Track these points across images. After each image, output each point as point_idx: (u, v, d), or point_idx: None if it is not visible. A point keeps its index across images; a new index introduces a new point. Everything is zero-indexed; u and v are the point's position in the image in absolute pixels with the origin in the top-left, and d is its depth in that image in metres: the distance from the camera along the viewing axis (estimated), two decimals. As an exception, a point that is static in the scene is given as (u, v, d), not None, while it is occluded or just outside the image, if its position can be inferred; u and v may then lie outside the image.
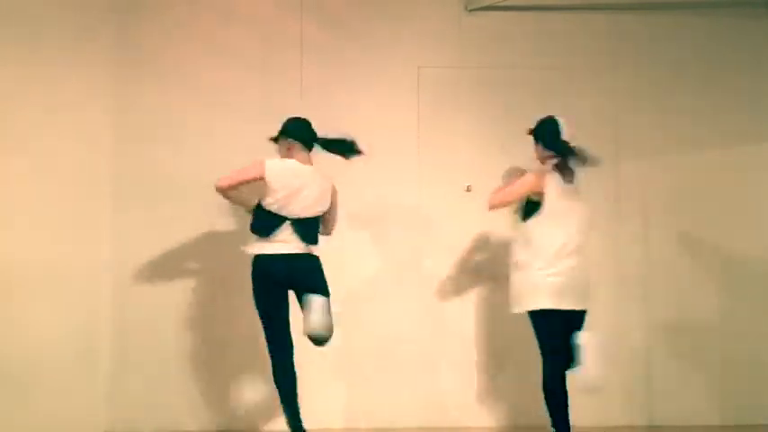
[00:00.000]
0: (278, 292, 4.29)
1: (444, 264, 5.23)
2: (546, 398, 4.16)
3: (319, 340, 4.26)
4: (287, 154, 4.40)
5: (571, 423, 4.15)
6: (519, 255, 4.24)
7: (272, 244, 4.27)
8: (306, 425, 4.38)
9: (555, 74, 5.34)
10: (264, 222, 4.30)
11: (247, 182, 4.33)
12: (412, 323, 5.18)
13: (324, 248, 5.01)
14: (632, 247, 5.29)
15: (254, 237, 4.31)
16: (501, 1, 5.27)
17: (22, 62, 4.45)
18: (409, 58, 5.32)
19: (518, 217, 4.36)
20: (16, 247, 4.38)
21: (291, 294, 4.35)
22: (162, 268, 5.05)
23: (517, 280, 4.23)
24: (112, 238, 5.02)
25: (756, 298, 5.29)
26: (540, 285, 4.13)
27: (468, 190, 5.24)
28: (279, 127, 4.54)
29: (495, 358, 5.16)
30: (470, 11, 5.35)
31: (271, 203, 4.28)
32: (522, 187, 4.27)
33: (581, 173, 4.32)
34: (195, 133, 5.14)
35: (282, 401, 4.30)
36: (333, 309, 4.28)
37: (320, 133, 4.76)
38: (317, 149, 4.43)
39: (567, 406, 4.16)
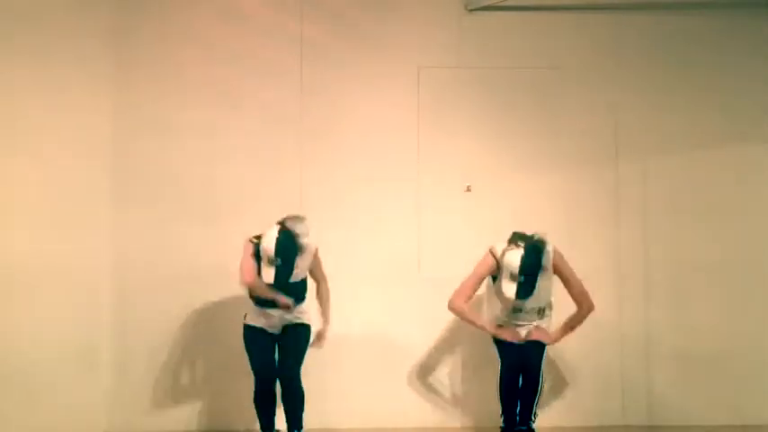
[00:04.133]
0: None
1: (444, 264, 5.23)
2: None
3: None
4: None
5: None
6: None
7: None
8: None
9: (555, 74, 5.33)
10: None
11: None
12: (412, 323, 5.18)
13: (324, 249, 5.03)
14: (632, 247, 5.28)
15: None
16: (501, 1, 5.27)
17: (21, 63, 4.44)
18: (409, 58, 5.32)
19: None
20: (17, 247, 4.38)
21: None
22: (162, 268, 5.06)
23: None
24: (112, 238, 5.03)
25: (756, 298, 5.28)
26: None
27: (468, 190, 5.24)
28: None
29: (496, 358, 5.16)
30: (470, 11, 5.35)
31: None
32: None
33: None
34: (195, 133, 5.14)
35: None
36: None
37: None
38: None
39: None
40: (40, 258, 4.50)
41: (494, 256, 4.59)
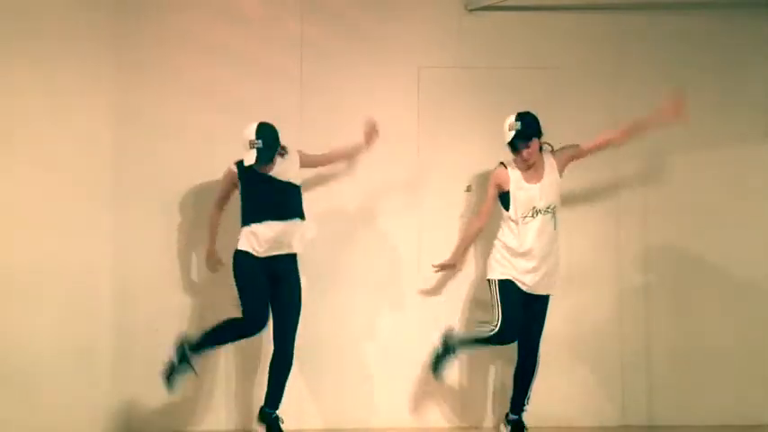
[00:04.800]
0: None
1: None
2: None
3: None
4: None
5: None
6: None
7: None
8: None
9: (555, 74, 5.33)
10: None
11: None
12: (411, 323, 5.19)
13: (323, 248, 5.04)
14: (632, 248, 5.28)
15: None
16: (501, 1, 5.27)
17: (21, 61, 4.45)
18: (409, 58, 5.32)
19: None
20: (16, 247, 4.38)
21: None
22: (162, 268, 5.07)
23: None
24: (112, 239, 5.03)
25: (756, 298, 5.28)
26: None
27: (468, 190, 5.25)
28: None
29: (495, 359, 5.16)
30: (470, 11, 5.35)
31: None
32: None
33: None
34: (195, 133, 5.15)
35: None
36: None
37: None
38: None
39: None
40: (39, 258, 4.50)
41: (504, 167, 4.69)
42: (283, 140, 5.11)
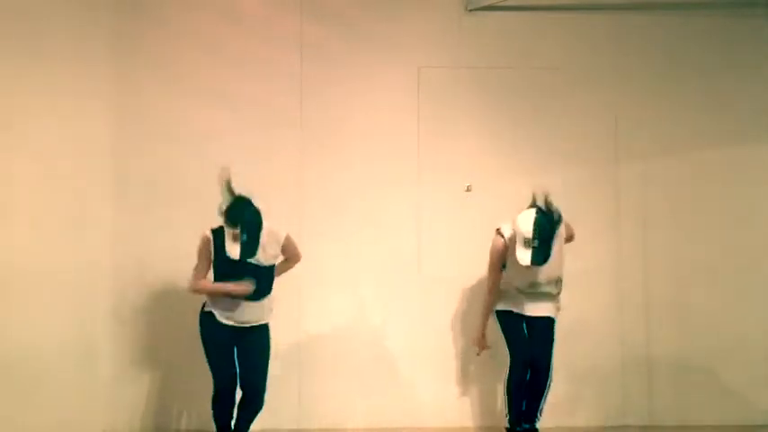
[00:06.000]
0: None
1: (444, 264, 5.23)
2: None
3: None
4: None
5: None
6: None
7: None
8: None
9: (555, 74, 5.33)
10: None
11: None
12: (411, 324, 5.19)
13: (323, 248, 5.04)
14: (632, 248, 5.28)
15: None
16: (501, 1, 5.27)
17: (21, 61, 4.45)
18: (409, 59, 5.32)
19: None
20: (16, 248, 4.38)
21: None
22: (161, 269, 5.06)
23: None
24: (112, 239, 5.03)
25: (756, 298, 5.29)
26: None
27: (468, 190, 5.24)
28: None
29: (496, 359, 5.16)
30: (470, 11, 5.35)
31: None
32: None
33: None
34: (195, 133, 5.14)
35: None
36: None
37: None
38: None
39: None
40: (39, 258, 4.50)
41: (501, 236, 4.58)
42: (284, 139, 5.13)
